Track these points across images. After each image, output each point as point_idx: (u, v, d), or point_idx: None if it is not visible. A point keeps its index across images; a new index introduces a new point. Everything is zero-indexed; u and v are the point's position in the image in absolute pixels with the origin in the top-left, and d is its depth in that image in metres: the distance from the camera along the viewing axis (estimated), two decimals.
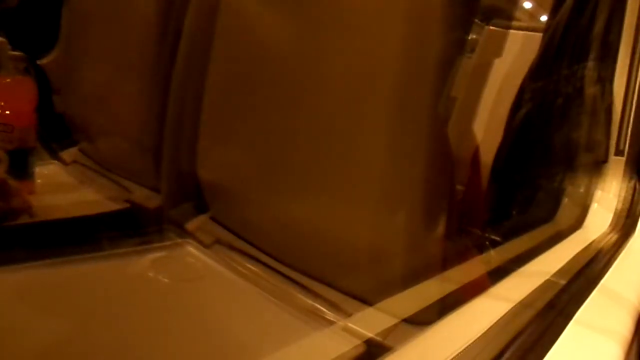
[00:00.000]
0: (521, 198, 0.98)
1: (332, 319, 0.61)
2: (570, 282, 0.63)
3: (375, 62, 0.59)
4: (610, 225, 0.96)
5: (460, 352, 0.42)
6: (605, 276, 0.67)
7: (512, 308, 0.52)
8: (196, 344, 0.55)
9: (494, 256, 0.76)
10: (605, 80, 1.03)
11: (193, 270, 0.71)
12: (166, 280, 0.68)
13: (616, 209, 1.00)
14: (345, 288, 0.63)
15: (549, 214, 0.97)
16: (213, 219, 0.79)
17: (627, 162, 1.04)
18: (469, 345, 0.43)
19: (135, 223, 0.80)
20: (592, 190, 1.03)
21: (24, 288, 0.61)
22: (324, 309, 0.62)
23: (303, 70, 0.65)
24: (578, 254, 0.77)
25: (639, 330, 0.56)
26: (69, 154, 1.03)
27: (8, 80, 0.85)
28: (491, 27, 1.17)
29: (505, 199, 0.95)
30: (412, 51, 0.57)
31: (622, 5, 1.02)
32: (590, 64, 1.02)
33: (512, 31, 1.17)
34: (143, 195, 0.85)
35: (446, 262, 0.61)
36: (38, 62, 1.02)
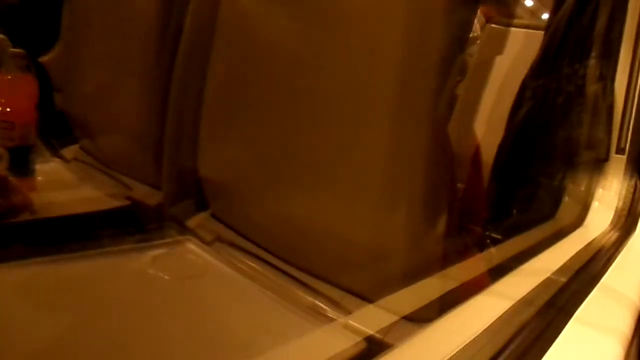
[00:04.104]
0: (522, 196, 0.98)
1: (332, 316, 0.61)
2: (570, 280, 0.63)
3: (377, 60, 0.59)
4: (610, 223, 0.96)
5: (460, 350, 0.42)
6: (605, 274, 0.67)
7: (512, 306, 0.52)
8: (197, 341, 0.55)
9: (495, 254, 0.76)
10: (607, 78, 1.03)
11: (194, 268, 0.71)
12: (167, 277, 0.68)
13: (617, 208, 1.00)
14: (345, 285, 0.63)
15: (550, 212, 0.97)
16: (214, 216, 0.79)
17: (628, 161, 1.04)
18: (470, 342, 0.43)
19: (135, 220, 0.80)
20: (593, 188, 1.02)
21: (24, 285, 0.61)
22: (324, 306, 0.62)
23: (304, 68, 0.65)
24: (579, 252, 0.77)
25: (639, 328, 0.56)
26: (69, 151, 1.03)
27: (9, 77, 0.85)
28: (492, 25, 1.17)
29: (506, 196, 0.95)
30: (413, 50, 0.57)
31: (624, 3, 1.02)
32: (592, 62, 1.02)
33: (513, 29, 1.17)
34: (144, 193, 0.85)
35: (446, 260, 0.61)
36: (39, 59, 1.02)
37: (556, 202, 0.99)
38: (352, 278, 0.62)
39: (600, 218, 0.97)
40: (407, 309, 0.56)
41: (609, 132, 1.04)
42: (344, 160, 0.62)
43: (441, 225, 0.59)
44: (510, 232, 0.83)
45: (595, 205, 1.00)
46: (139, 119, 0.88)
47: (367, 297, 0.61)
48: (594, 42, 1.01)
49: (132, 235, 0.74)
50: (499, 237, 0.81)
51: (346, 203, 0.62)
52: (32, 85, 0.88)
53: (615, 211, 0.99)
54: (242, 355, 0.55)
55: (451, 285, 0.59)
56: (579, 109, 1.03)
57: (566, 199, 1.00)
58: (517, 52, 1.13)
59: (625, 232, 0.91)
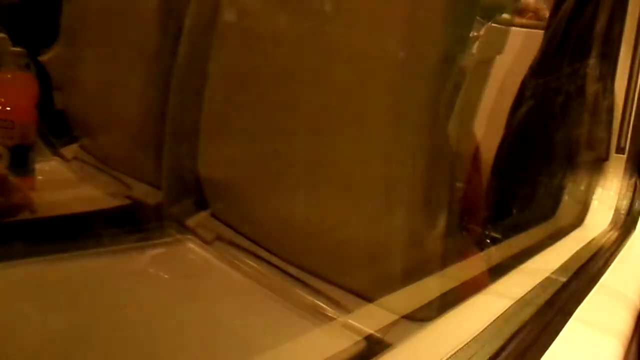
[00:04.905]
0: (522, 195, 0.98)
1: (332, 315, 0.61)
2: (570, 280, 0.63)
3: (376, 60, 0.59)
4: (610, 223, 0.96)
5: (460, 349, 0.42)
6: (605, 274, 0.67)
7: (512, 305, 0.52)
8: (196, 340, 0.55)
9: (494, 253, 0.76)
10: (607, 77, 1.03)
11: (193, 267, 0.71)
12: (166, 276, 0.68)
13: (616, 207, 1.00)
14: (345, 284, 0.63)
15: (550, 212, 0.97)
16: (213, 215, 0.79)
17: (628, 160, 1.04)
18: (469, 342, 0.43)
19: (135, 219, 0.80)
20: (592, 187, 1.02)
21: (24, 284, 0.62)
22: (324, 306, 0.62)
23: (304, 67, 0.65)
24: (578, 251, 0.77)
25: (639, 327, 0.57)
26: (69, 150, 1.03)
27: (9, 76, 0.85)
28: (493, 24, 1.17)
29: (506, 196, 0.95)
30: (414, 49, 0.57)
31: (624, 2, 1.02)
32: (592, 61, 1.02)
33: (514, 28, 1.17)
34: (143, 192, 0.85)
35: (446, 259, 0.61)
36: (39, 58, 1.02)
37: (556, 202, 0.99)
38: (352, 277, 0.63)
39: (600, 217, 0.97)
40: (407, 308, 0.56)
41: (609, 131, 1.04)
42: (343, 160, 0.62)
43: (441, 224, 0.59)
44: (510, 231, 0.83)
45: (595, 204, 1.00)
46: (139, 118, 0.88)
47: (367, 296, 0.61)
48: (594, 42, 1.01)
49: (132, 234, 0.74)
50: (499, 236, 0.81)
51: (346, 202, 0.62)
52: (32, 84, 0.88)
53: (615, 211, 0.99)
54: (242, 355, 0.55)
55: (451, 284, 0.59)
56: (579, 108, 1.03)
57: (566, 198, 1.00)
58: (517, 51, 1.13)
59: (625, 232, 0.91)
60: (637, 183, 1.05)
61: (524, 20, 1.23)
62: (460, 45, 0.59)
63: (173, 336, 0.56)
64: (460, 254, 0.69)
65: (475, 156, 0.87)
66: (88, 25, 0.99)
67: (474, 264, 0.70)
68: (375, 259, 0.61)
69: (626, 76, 1.03)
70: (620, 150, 1.04)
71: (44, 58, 1.04)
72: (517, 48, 1.11)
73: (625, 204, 1.00)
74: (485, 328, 0.46)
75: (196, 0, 0.77)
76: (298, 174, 0.67)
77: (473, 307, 0.52)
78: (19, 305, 0.56)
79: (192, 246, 0.75)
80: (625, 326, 0.53)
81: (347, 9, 0.61)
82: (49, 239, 0.70)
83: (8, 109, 0.83)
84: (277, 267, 0.68)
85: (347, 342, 0.53)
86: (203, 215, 0.79)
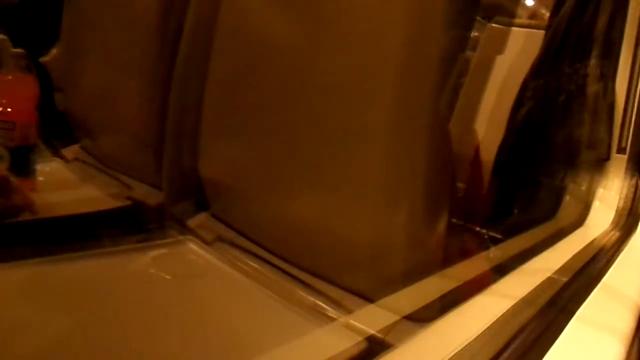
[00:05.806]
0: (523, 195, 0.98)
1: (333, 315, 0.61)
2: (572, 280, 0.63)
3: (377, 60, 0.59)
4: (612, 223, 0.96)
5: (461, 349, 0.42)
6: (606, 274, 0.67)
7: (513, 305, 0.52)
8: (197, 340, 0.55)
9: (496, 253, 0.76)
10: (608, 77, 1.03)
11: (194, 267, 0.71)
12: (167, 277, 0.68)
13: (618, 207, 1.00)
14: (346, 285, 0.63)
15: (551, 212, 0.97)
16: (214, 216, 0.79)
17: (629, 160, 1.04)
18: (471, 342, 0.43)
19: (136, 220, 0.80)
20: (594, 188, 1.03)
21: (25, 285, 0.61)
22: (325, 306, 0.62)
23: (305, 67, 0.65)
24: (580, 251, 0.77)
25: None
26: (70, 151, 1.03)
27: (9, 77, 0.85)
28: (493, 25, 1.17)
29: (507, 196, 0.95)
30: (414, 49, 0.57)
31: (625, 3, 1.02)
32: (593, 61, 1.02)
33: (514, 28, 1.17)
34: (144, 192, 0.85)
35: (447, 259, 0.61)
36: (39, 59, 1.02)
37: (557, 202, 0.99)
38: (353, 277, 0.62)
39: (601, 218, 0.97)
40: (408, 309, 0.56)
41: (610, 131, 1.04)
42: (344, 160, 0.62)
43: (442, 224, 0.59)
44: (511, 231, 0.83)
45: (596, 204, 1.00)
46: (139, 119, 0.88)
47: (368, 297, 0.61)
48: (594, 42, 1.01)
49: (133, 235, 0.74)
50: (500, 236, 0.81)
51: (347, 202, 0.62)
52: (32, 86, 0.88)
53: (616, 211, 0.99)
54: (243, 355, 0.55)
55: (452, 284, 0.59)
56: (580, 108, 1.03)
57: (567, 198, 1.00)
58: (518, 51, 1.13)
59: (626, 232, 0.91)
60: (638, 183, 1.05)
61: (524, 21, 1.23)
62: (462, 46, 0.59)
63: (174, 336, 0.55)
64: (461, 254, 0.68)
65: (476, 156, 0.87)
66: (88, 25, 0.99)
67: (475, 264, 0.70)
68: (376, 259, 0.61)
69: (627, 76, 1.03)
70: (621, 150, 1.04)
71: (44, 59, 1.04)
72: (519, 48, 1.11)
73: (626, 204, 1.00)
74: (487, 328, 0.46)
75: (196, 0, 0.77)
76: (299, 175, 0.67)
77: (474, 307, 0.52)
78: (20, 306, 0.56)
79: (193, 247, 0.75)
80: (626, 326, 0.53)
81: (348, 9, 0.61)
82: (50, 240, 0.70)
83: (9, 110, 0.83)
84: (278, 268, 0.68)
85: (348, 343, 0.53)
86: (204, 215, 0.79)
